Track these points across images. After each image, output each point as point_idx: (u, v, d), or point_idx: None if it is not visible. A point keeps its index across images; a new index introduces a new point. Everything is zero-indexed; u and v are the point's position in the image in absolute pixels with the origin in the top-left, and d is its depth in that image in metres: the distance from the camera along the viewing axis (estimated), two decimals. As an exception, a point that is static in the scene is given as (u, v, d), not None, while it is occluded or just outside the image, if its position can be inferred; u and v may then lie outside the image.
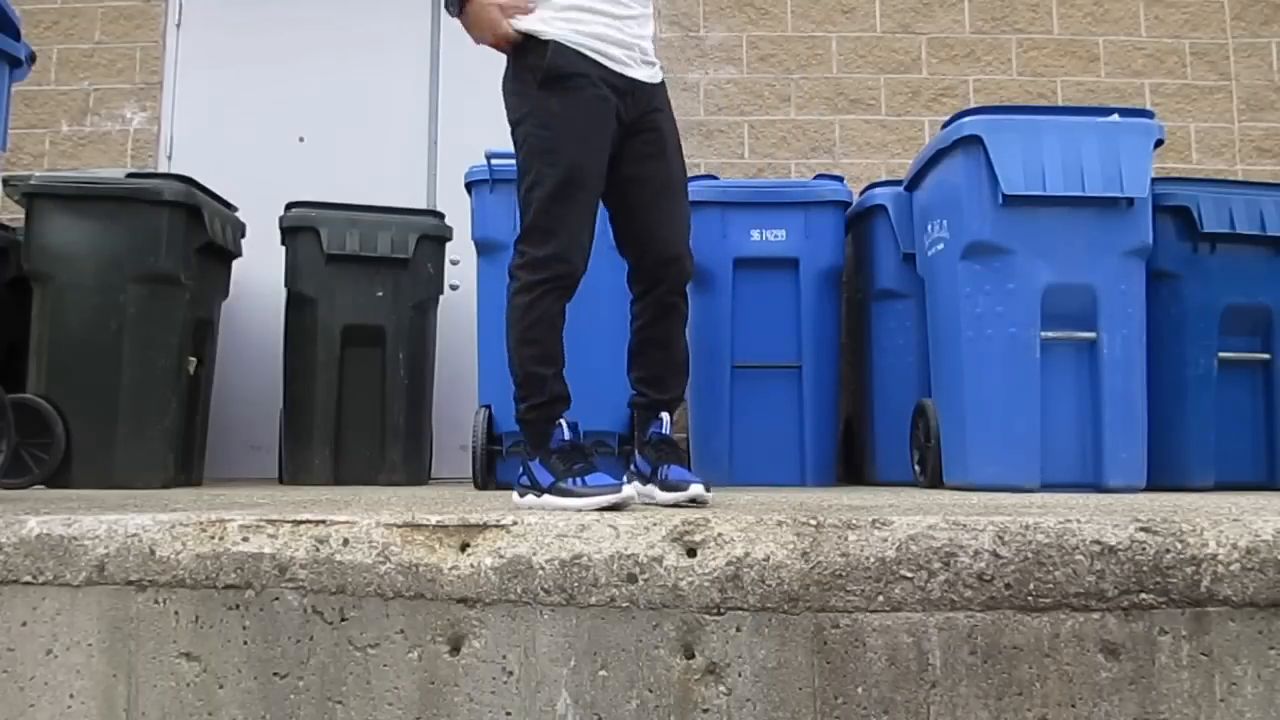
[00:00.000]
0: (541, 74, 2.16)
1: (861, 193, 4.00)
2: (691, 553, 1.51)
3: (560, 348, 2.20)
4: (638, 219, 2.30)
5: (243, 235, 3.86)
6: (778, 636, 1.47)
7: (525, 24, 2.19)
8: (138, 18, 4.65)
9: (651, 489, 2.20)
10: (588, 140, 2.19)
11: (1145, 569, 1.48)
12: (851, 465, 4.10)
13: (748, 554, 1.49)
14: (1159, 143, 3.10)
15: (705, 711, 1.46)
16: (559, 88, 2.17)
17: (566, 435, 2.14)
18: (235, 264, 3.85)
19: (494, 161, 3.41)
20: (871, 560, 1.48)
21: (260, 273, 4.08)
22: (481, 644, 1.50)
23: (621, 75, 2.23)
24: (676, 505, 2.07)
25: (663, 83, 2.37)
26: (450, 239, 3.97)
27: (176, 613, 1.55)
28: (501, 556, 1.52)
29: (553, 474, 2.05)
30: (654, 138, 2.30)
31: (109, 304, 3.25)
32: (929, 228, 3.36)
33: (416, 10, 4.69)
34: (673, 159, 2.34)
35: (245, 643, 1.53)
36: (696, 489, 2.10)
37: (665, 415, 2.34)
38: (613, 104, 2.21)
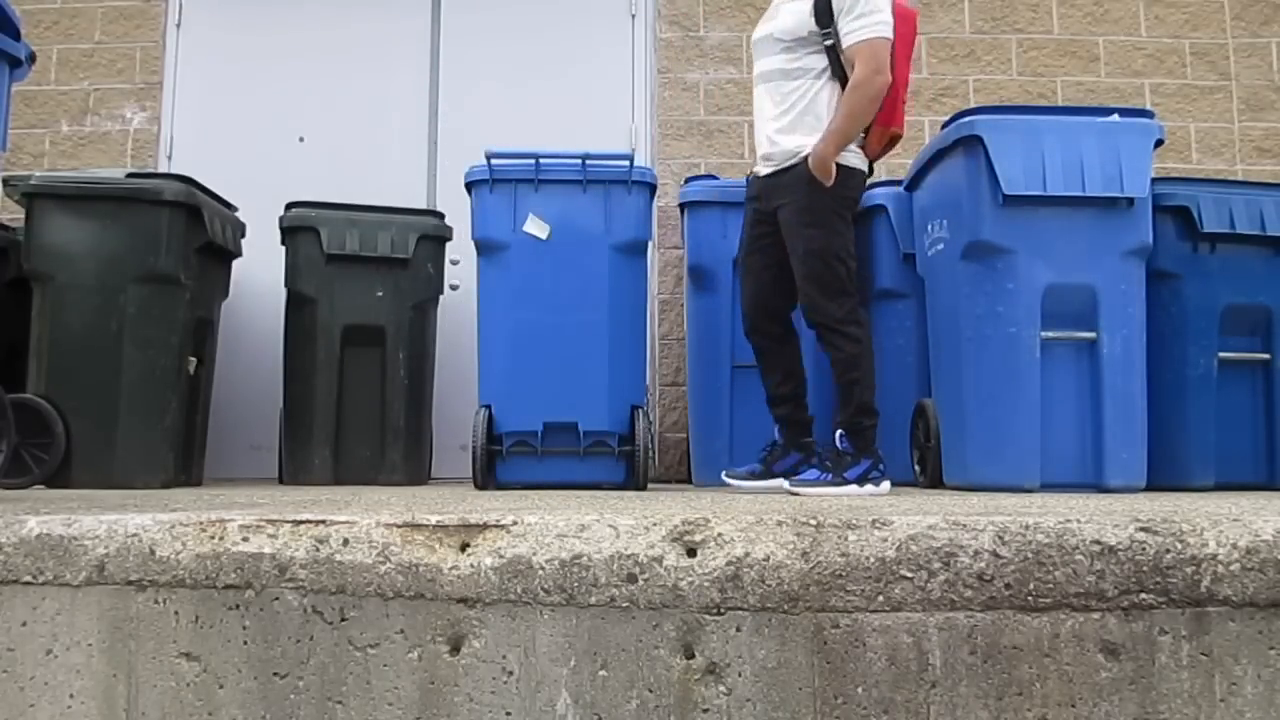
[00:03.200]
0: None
1: (861, 193, 4.00)
2: (691, 553, 1.51)
3: None
4: None
5: (243, 235, 3.86)
6: (778, 636, 1.46)
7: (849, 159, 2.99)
8: (138, 18, 4.65)
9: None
10: None
11: (1145, 569, 1.47)
12: (851, 465, 4.08)
13: (748, 554, 1.49)
14: (1159, 143, 3.10)
15: (705, 711, 1.46)
16: None
17: None
18: (235, 264, 3.85)
19: (494, 161, 3.40)
20: (871, 560, 1.48)
21: (260, 273, 4.09)
22: (481, 644, 1.50)
23: None
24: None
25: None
26: (450, 239, 3.96)
27: (176, 613, 1.55)
28: (501, 556, 1.52)
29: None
30: None
31: (109, 304, 3.25)
32: (929, 228, 3.36)
33: (416, 10, 4.70)
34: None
35: (245, 643, 1.53)
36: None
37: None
38: None
